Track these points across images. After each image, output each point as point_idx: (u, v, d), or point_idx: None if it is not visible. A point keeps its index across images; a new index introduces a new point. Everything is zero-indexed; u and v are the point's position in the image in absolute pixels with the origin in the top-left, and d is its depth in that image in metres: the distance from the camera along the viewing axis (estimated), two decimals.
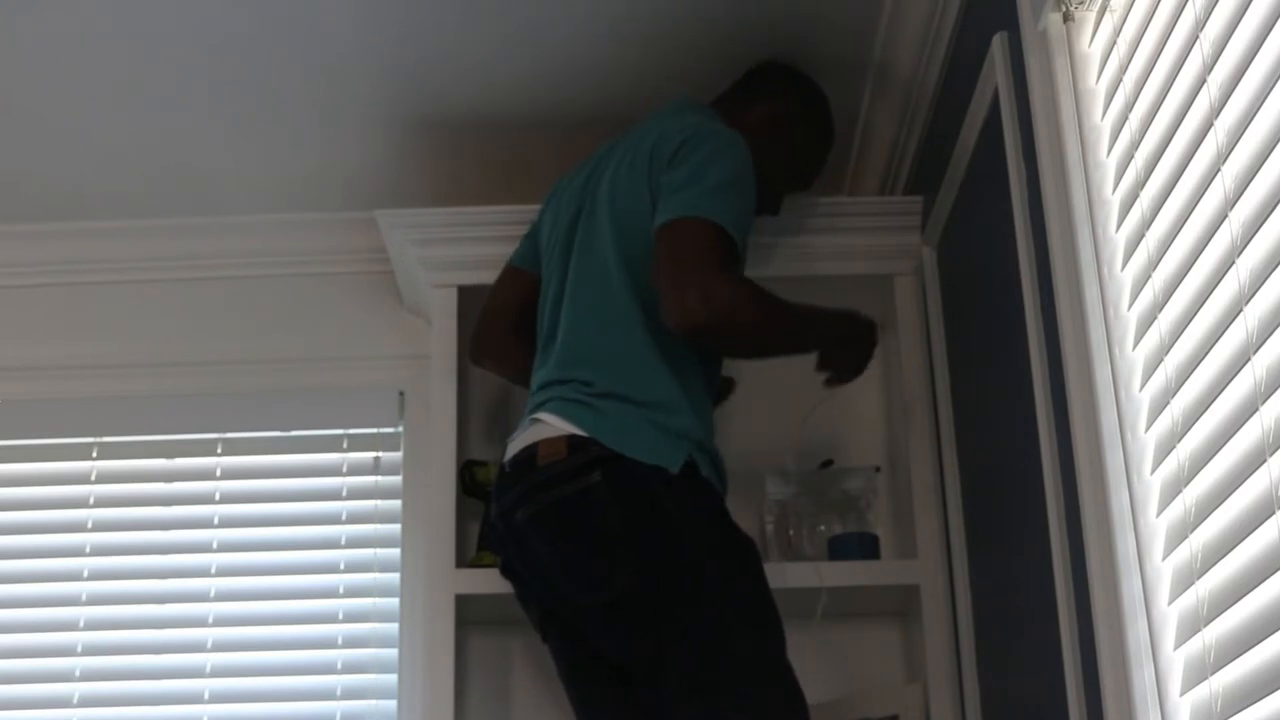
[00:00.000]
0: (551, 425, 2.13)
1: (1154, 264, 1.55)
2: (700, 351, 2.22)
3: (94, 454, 3.02)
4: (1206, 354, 1.40)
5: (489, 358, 2.57)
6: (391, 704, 2.82)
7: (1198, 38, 1.41)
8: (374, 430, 3.00)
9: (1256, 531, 1.29)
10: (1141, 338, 1.61)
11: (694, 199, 2.11)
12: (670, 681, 2.02)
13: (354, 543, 2.95)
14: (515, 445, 2.19)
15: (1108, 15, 1.73)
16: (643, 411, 2.12)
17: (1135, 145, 1.61)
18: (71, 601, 2.93)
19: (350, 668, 2.88)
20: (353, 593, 2.92)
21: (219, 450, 3.01)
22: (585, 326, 2.23)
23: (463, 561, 2.58)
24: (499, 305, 2.53)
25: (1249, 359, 1.29)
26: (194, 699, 2.86)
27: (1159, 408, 1.54)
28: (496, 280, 2.56)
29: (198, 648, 2.89)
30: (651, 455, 2.08)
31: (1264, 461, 1.27)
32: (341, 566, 2.94)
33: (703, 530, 2.09)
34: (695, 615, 2.02)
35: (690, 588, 2.03)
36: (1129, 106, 1.63)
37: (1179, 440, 1.48)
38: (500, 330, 2.52)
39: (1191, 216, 1.44)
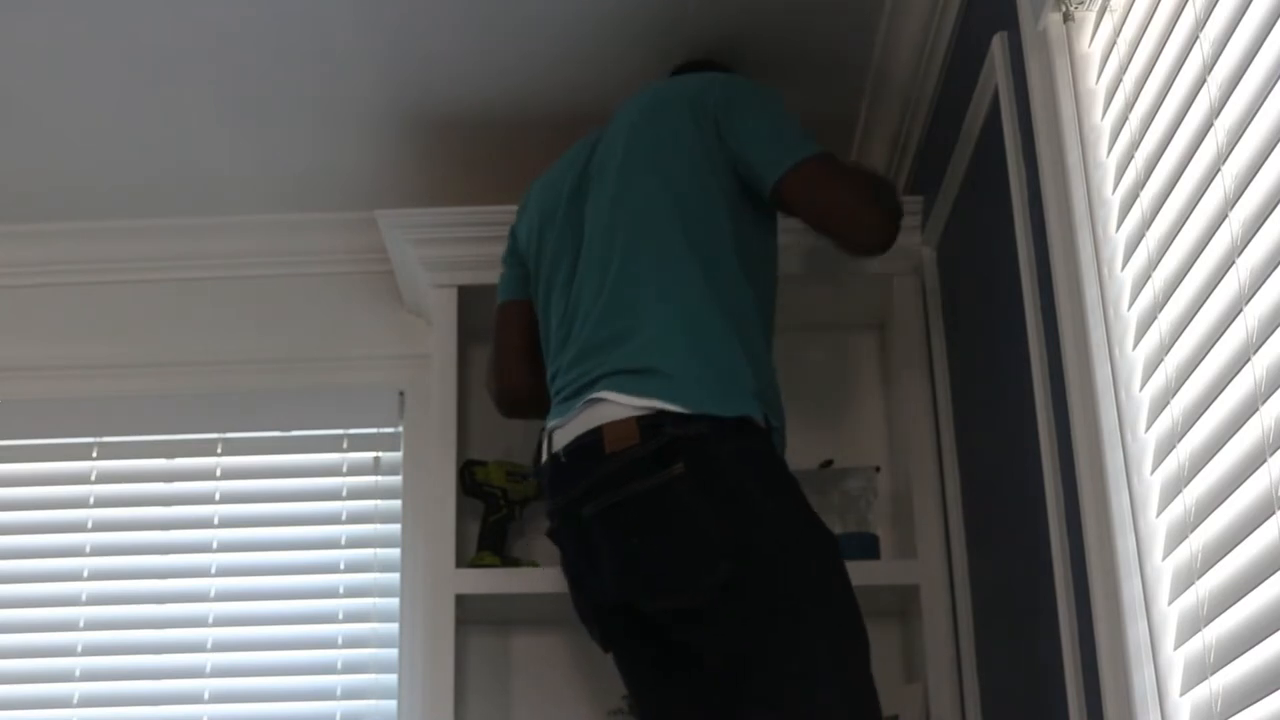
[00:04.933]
0: (614, 403, 1.97)
1: (1154, 264, 1.55)
2: (762, 305, 2.14)
3: (94, 454, 3.03)
4: (1206, 354, 1.40)
5: (524, 405, 2.40)
6: (391, 704, 2.82)
7: (1198, 38, 1.41)
8: (374, 430, 3.00)
9: (1256, 531, 1.29)
10: (1141, 338, 1.60)
11: (792, 143, 2.17)
12: (751, 686, 1.89)
13: (354, 543, 2.95)
14: (569, 430, 2.02)
15: (1108, 15, 1.73)
16: (712, 372, 1.99)
17: (1135, 145, 1.61)
18: (71, 601, 2.93)
19: (350, 668, 2.88)
20: (353, 593, 2.92)
21: (219, 450, 3.01)
22: (631, 289, 2.07)
23: (463, 561, 2.58)
24: (521, 349, 2.36)
25: (1249, 359, 1.29)
26: (194, 699, 2.86)
27: (1159, 408, 1.54)
28: (500, 324, 2.40)
29: (198, 648, 2.89)
30: (727, 407, 1.96)
31: (1264, 461, 1.27)
32: (341, 566, 2.94)
33: (789, 521, 1.97)
34: (783, 619, 1.90)
35: (781, 591, 1.91)
36: (1129, 106, 1.63)
37: (1179, 440, 1.48)
38: (529, 375, 2.34)
39: (1191, 216, 1.44)
